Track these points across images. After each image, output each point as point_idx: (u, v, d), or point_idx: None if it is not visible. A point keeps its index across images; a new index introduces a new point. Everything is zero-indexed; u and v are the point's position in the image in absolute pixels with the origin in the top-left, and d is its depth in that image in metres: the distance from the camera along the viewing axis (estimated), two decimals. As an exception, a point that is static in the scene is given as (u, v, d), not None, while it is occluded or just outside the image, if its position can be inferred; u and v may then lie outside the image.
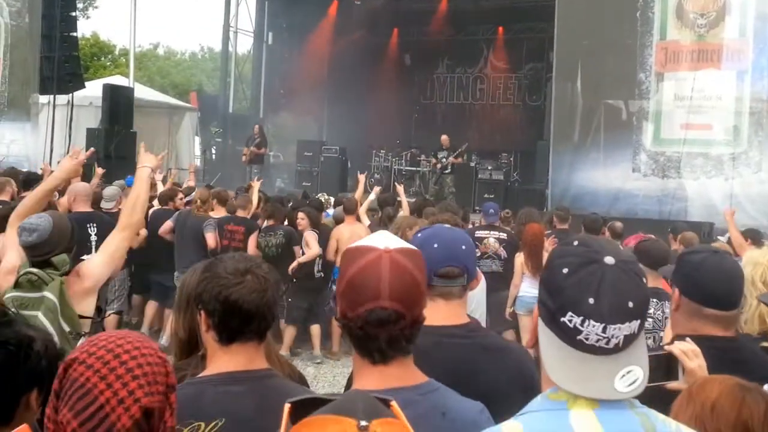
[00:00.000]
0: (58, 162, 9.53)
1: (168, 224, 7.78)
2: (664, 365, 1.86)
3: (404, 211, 7.86)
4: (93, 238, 5.80)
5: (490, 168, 16.36)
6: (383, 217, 8.03)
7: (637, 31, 11.61)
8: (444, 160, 15.73)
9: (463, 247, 2.15)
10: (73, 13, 17.17)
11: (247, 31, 21.78)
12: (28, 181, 7.81)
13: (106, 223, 5.77)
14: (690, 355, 1.93)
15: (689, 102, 11.29)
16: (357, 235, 7.18)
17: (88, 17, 37.42)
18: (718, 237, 8.47)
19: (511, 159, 18.44)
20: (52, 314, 3.12)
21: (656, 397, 1.50)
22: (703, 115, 11.26)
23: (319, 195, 10.98)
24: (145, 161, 3.68)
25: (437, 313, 2.07)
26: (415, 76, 22.00)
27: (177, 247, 7.73)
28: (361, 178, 9.35)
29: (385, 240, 1.61)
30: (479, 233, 7.26)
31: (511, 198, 15.11)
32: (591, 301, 1.33)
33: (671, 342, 2.03)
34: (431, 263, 2.04)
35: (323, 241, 7.78)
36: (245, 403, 1.77)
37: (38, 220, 3.43)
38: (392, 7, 20.74)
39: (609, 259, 1.37)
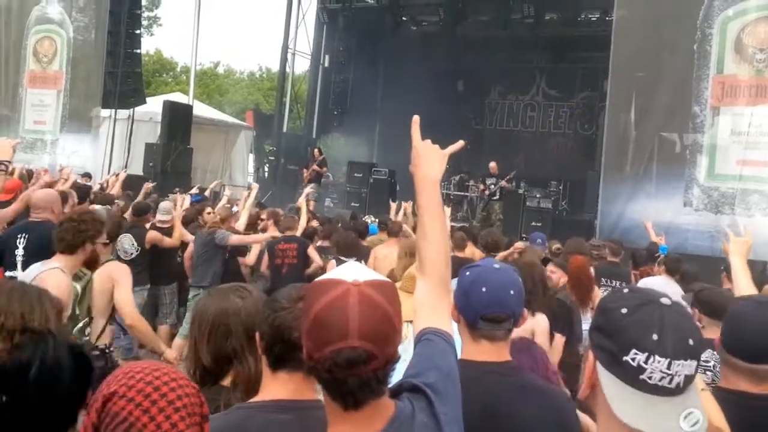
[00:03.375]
0: (116, 174, 9.88)
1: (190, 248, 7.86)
2: None
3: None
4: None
5: (538, 196, 16.22)
6: None
7: (694, 63, 11.42)
8: (492, 186, 15.70)
9: (512, 291, 2.15)
10: (138, 31, 17.76)
11: (304, 53, 22.21)
12: (81, 193, 8.04)
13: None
14: None
15: (746, 137, 11.04)
16: (393, 256, 7.25)
17: (152, 34, 38.73)
18: (771, 276, 8.21)
19: (561, 188, 18.28)
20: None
21: None
22: (759, 151, 10.98)
23: (366, 217, 11.05)
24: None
25: (480, 351, 2.13)
26: (466, 102, 22.06)
27: (193, 265, 7.82)
28: (393, 205, 9.50)
29: (355, 271, 1.47)
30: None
31: (559, 227, 14.96)
32: (655, 337, 1.33)
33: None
34: (478, 307, 2.11)
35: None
36: None
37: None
38: (447, 33, 20.89)
39: (665, 300, 1.40)
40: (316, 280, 1.52)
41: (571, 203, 18.15)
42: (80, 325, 4.11)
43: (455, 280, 2.13)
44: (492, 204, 15.75)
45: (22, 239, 5.03)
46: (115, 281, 4.41)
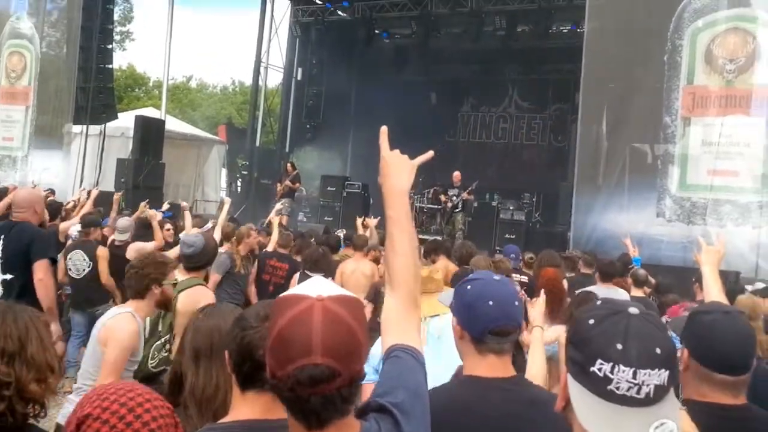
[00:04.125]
0: (88, 191, 9.73)
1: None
2: None
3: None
4: None
5: (511, 208, 16.23)
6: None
7: (665, 74, 11.56)
8: (454, 198, 15.64)
9: (516, 303, 2.14)
10: (110, 46, 17.60)
11: (277, 66, 22.16)
12: (52, 209, 7.88)
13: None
14: None
15: (717, 148, 11.17)
16: (360, 271, 7.21)
17: (124, 49, 38.40)
18: (746, 287, 8.25)
19: (534, 200, 18.40)
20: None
21: None
22: (730, 161, 11.11)
23: (339, 231, 10.99)
24: None
25: (486, 366, 2.10)
26: (439, 114, 22.12)
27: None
28: (359, 221, 9.47)
29: (319, 287, 1.44)
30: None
31: (532, 239, 15.01)
32: (619, 346, 1.33)
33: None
34: (486, 321, 2.09)
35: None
36: None
37: (195, 239, 4.55)
38: (420, 45, 20.99)
39: (633, 310, 1.40)
40: (281, 295, 1.47)
41: (545, 215, 18.25)
42: (161, 341, 4.16)
43: (445, 294, 2.09)
44: (455, 215, 15.66)
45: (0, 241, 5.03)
46: (197, 304, 4.36)
